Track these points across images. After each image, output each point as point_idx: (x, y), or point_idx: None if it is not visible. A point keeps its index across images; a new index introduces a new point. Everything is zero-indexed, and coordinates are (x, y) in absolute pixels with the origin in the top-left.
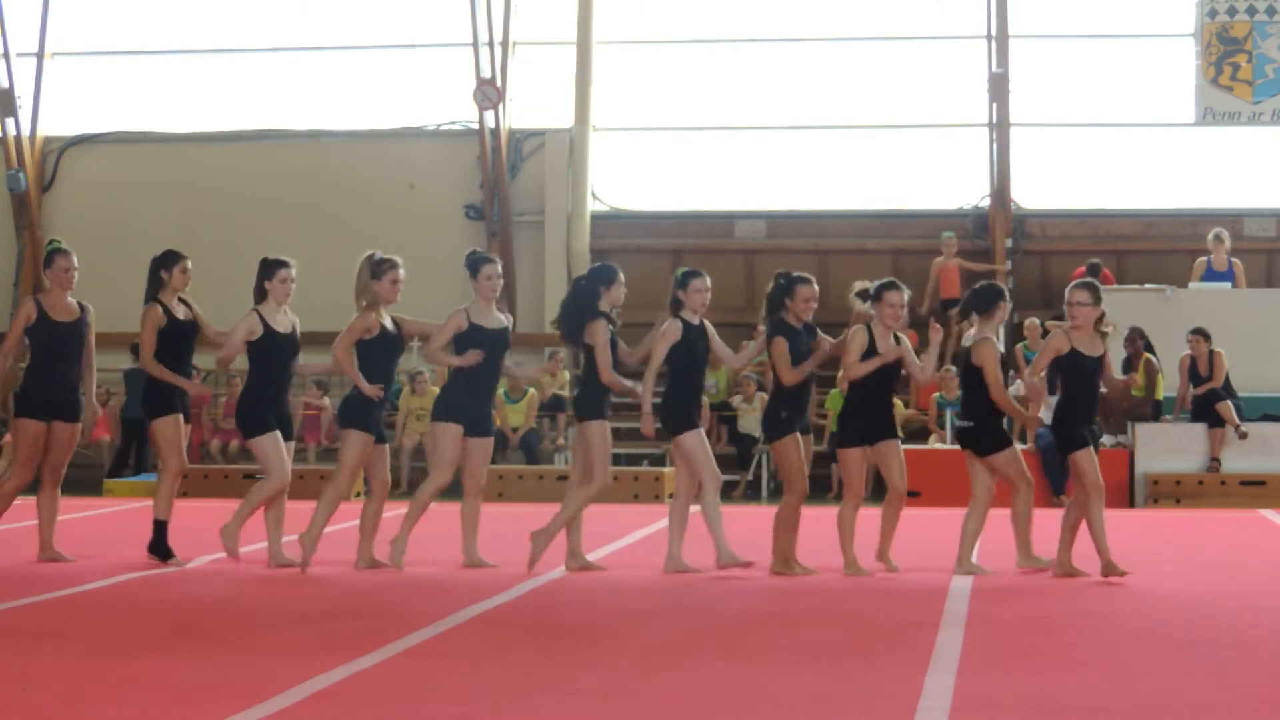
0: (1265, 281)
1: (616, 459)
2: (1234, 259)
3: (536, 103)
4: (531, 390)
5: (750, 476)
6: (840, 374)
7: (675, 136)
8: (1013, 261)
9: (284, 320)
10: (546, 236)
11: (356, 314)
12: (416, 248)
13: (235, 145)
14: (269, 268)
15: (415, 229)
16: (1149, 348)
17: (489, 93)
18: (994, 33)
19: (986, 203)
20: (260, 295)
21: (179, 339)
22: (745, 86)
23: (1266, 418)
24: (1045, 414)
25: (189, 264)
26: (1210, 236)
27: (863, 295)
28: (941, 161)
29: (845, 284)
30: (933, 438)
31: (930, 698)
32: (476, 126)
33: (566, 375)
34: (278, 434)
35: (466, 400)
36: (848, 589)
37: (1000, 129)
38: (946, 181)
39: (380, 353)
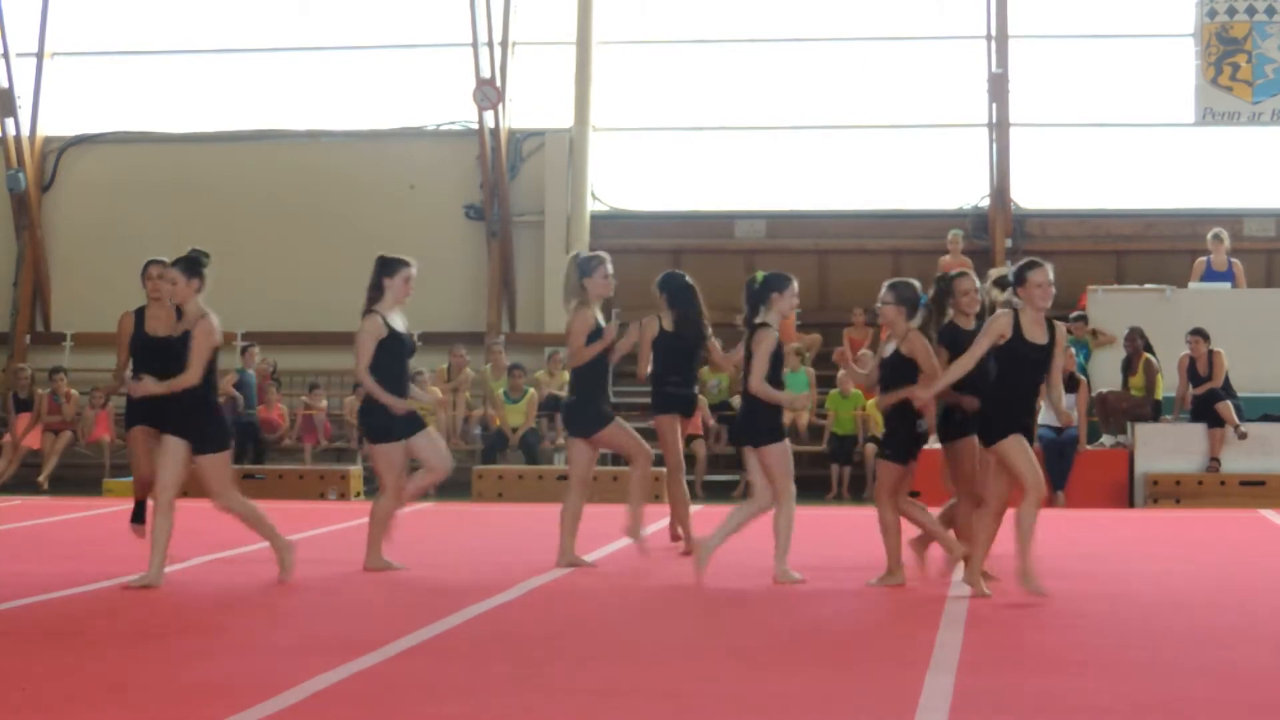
0: (1265, 281)
1: (615, 459)
2: (1234, 259)
3: (536, 103)
4: (531, 390)
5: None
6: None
7: (675, 136)
8: (1012, 261)
9: (401, 319)
10: (546, 236)
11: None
12: (416, 248)
13: (235, 145)
14: (390, 266)
15: (415, 229)
16: (1148, 348)
17: (489, 93)
18: (994, 33)
19: (986, 203)
20: (376, 294)
21: (397, 353)
22: (745, 86)
23: (1266, 418)
24: (1048, 414)
25: (413, 272)
26: (1210, 236)
27: (1001, 283)
28: (941, 161)
29: (845, 284)
30: (933, 437)
31: (930, 698)
32: (476, 126)
33: (566, 375)
34: (400, 444)
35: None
36: (848, 591)
37: (1000, 129)
38: (946, 181)
39: (393, 356)
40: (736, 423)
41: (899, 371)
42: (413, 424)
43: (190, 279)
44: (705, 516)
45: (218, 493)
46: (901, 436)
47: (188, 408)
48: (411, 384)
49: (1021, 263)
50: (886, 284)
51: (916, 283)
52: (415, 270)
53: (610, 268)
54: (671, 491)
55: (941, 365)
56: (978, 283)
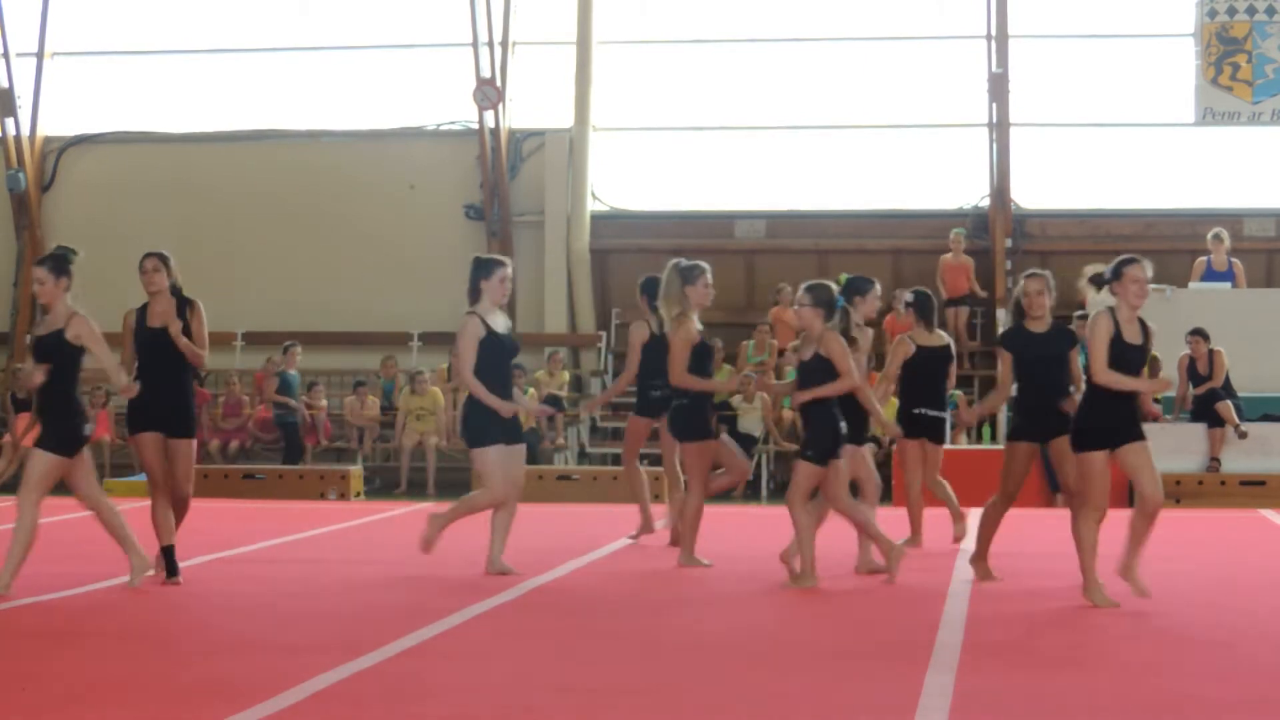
0: (1265, 281)
1: (616, 459)
2: (1234, 259)
3: (536, 103)
4: (531, 390)
5: (750, 477)
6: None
7: (675, 136)
8: (1012, 262)
9: (501, 320)
10: (546, 236)
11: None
12: (416, 248)
13: (235, 145)
14: (485, 267)
15: (415, 229)
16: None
17: (489, 93)
18: (994, 33)
19: (986, 203)
20: (474, 296)
21: (499, 353)
22: (745, 86)
23: (1266, 418)
24: None
25: (509, 272)
26: (1210, 236)
27: (1097, 281)
28: (941, 161)
29: None
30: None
31: (930, 697)
32: (476, 126)
33: (566, 375)
34: (501, 446)
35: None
36: (848, 590)
37: (1000, 129)
38: (947, 181)
39: (494, 356)
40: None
41: (817, 373)
42: (512, 429)
43: (58, 278)
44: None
45: (35, 488)
46: (823, 438)
47: (45, 405)
48: (515, 388)
49: (1120, 259)
50: (803, 286)
51: (833, 285)
52: (511, 270)
53: (710, 276)
54: (673, 494)
55: (1005, 371)
56: (1051, 282)
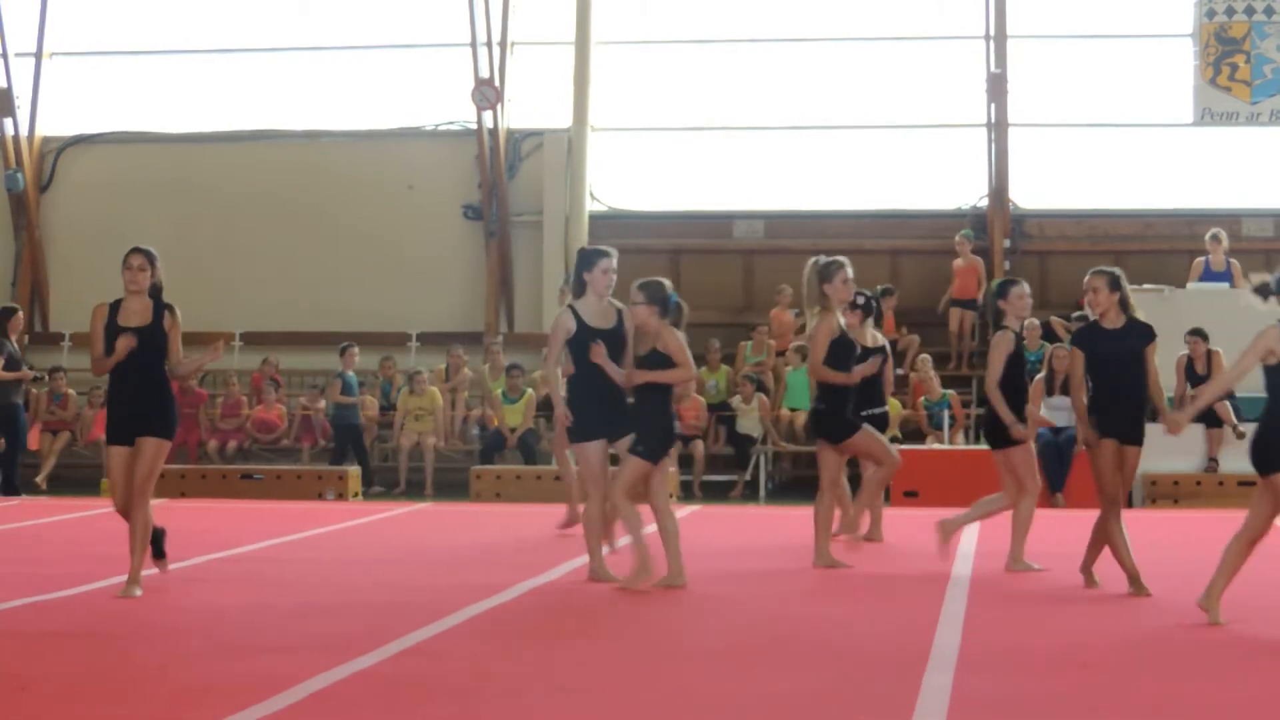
0: None
1: (614, 459)
2: (1232, 259)
3: (535, 103)
4: (529, 390)
5: (748, 477)
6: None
7: (673, 137)
8: (1011, 262)
9: (605, 313)
10: (545, 237)
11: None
12: (414, 248)
13: (233, 145)
14: (588, 258)
15: (413, 229)
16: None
17: (487, 93)
18: (992, 33)
19: (985, 203)
20: (579, 289)
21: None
22: (744, 87)
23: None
24: (1047, 413)
25: (612, 263)
26: (1208, 237)
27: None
28: (940, 162)
29: None
30: (929, 438)
31: (928, 698)
32: (475, 126)
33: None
34: (603, 443)
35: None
36: (847, 589)
37: (999, 129)
38: (945, 182)
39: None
40: (983, 425)
41: (656, 369)
42: (615, 425)
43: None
44: (706, 516)
45: None
46: (655, 436)
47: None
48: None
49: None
50: (636, 284)
51: (667, 281)
52: (614, 260)
53: (850, 272)
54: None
55: (1076, 369)
56: (1120, 279)
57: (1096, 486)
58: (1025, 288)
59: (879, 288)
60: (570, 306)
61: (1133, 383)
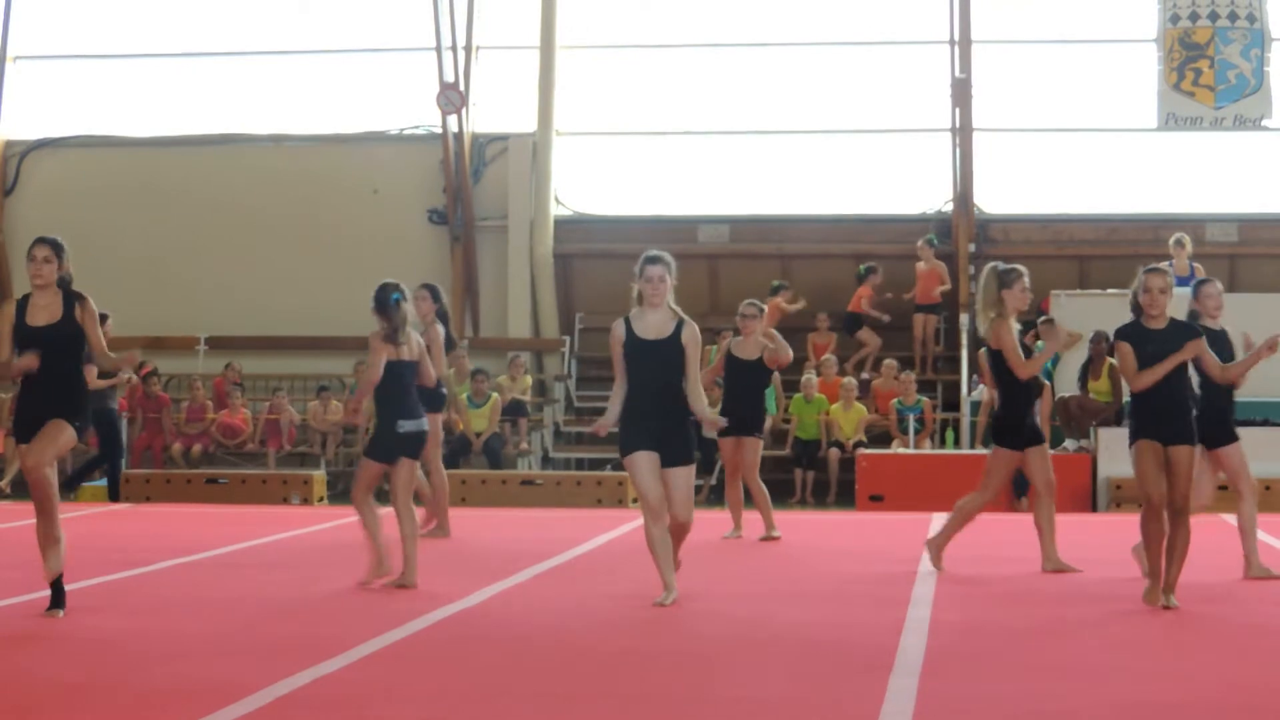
0: (1227, 286)
1: (579, 464)
2: (1195, 264)
3: (499, 107)
4: (495, 395)
5: (714, 481)
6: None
7: (638, 141)
8: (975, 267)
9: (660, 324)
10: (510, 241)
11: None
12: (379, 252)
13: (199, 149)
14: (1006, 277)
15: (378, 233)
16: (1112, 352)
17: (452, 97)
18: (957, 38)
19: (950, 208)
20: (999, 307)
21: (640, 358)
22: (709, 91)
23: (1248, 423)
24: None
25: (1028, 281)
26: (1172, 241)
27: None
28: (905, 166)
29: (808, 289)
30: (895, 442)
31: (893, 701)
32: (439, 131)
33: (529, 380)
34: (645, 454)
35: None
36: (811, 592)
37: (963, 134)
38: (910, 186)
39: (635, 361)
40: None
41: (404, 373)
42: (653, 437)
43: None
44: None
45: None
46: (382, 438)
47: None
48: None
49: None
50: (420, 285)
51: (392, 282)
52: (660, 268)
53: (1028, 280)
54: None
55: (1127, 361)
56: (1171, 279)
57: (1140, 488)
58: (1027, 279)
59: (862, 267)
60: (626, 316)
61: (1178, 383)
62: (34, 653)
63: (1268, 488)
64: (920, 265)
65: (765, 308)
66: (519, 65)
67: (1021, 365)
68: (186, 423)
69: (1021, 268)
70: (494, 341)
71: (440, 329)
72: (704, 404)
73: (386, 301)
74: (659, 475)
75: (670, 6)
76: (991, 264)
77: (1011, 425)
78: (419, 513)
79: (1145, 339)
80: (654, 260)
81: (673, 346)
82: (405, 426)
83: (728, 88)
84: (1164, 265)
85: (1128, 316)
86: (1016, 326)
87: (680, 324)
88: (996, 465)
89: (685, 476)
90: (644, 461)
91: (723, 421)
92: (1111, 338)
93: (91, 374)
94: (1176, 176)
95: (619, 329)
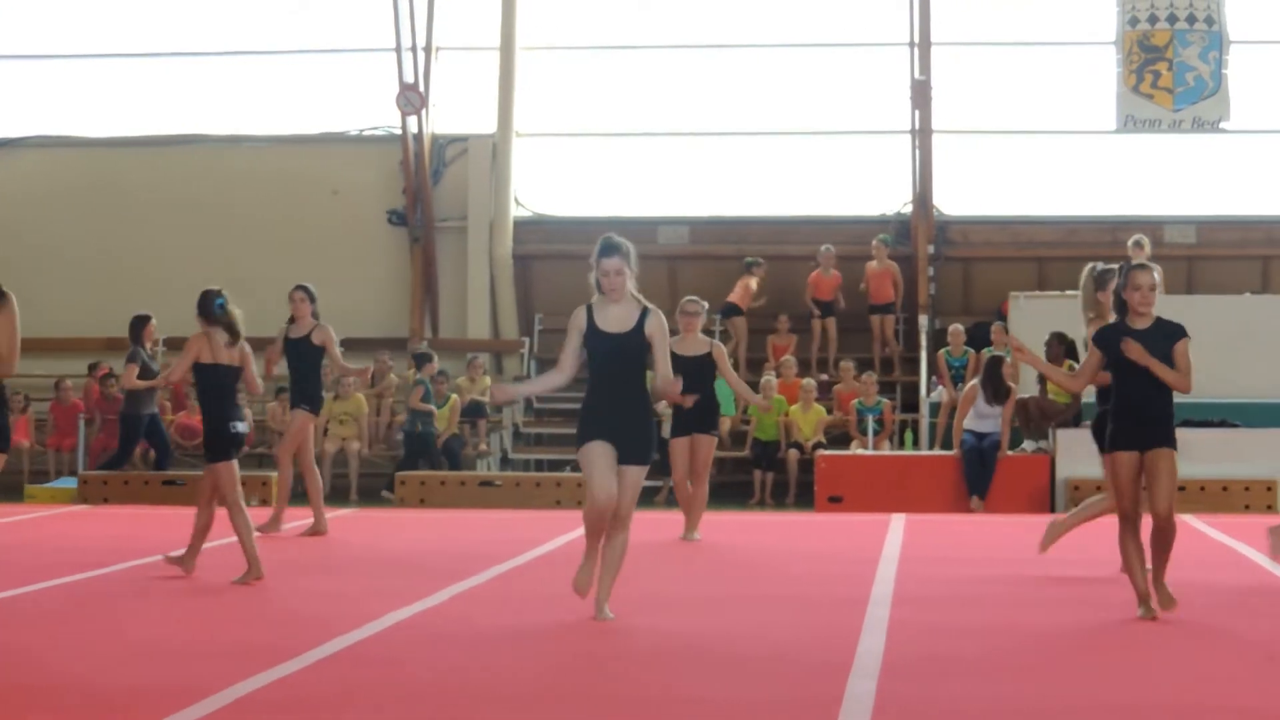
0: (1185, 288)
1: (539, 465)
2: (1154, 265)
3: (459, 108)
4: (454, 396)
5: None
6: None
7: (598, 142)
8: (935, 268)
9: (623, 316)
10: (469, 242)
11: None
12: (339, 253)
13: (158, 150)
14: (595, 254)
15: (338, 234)
16: (1071, 353)
17: (412, 98)
18: (916, 40)
19: (909, 209)
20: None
21: (601, 350)
22: (669, 92)
23: (1186, 423)
24: (974, 419)
25: (610, 264)
26: (1130, 243)
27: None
28: (864, 168)
29: (769, 290)
30: (854, 443)
31: (852, 703)
32: (399, 132)
33: (488, 381)
34: (600, 444)
35: None
36: (770, 596)
37: (923, 135)
38: (870, 188)
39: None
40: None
41: (228, 377)
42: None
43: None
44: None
45: None
46: (216, 439)
47: None
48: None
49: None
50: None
51: (214, 289)
52: (617, 260)
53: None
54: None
55: (1091, 363)
56: (1157, 278)
57: (1116, 501)
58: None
59: (748, 258)
60: (588, 304)
61: (1157, 385)
62: None
63: (1225, 489)
64: (872, 265)
65: (706, 305)
66: (479, 66)
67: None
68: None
69: (1116, 268)
70: (453, 343)
71: (329, 328)
72: (669, 383)
73: (210, 306)
74: (612, 469)
75: (630, 8)
76: (1090, 265)
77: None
78: (262, 513)
79: (1127, 340)
80: (610, 250)
81: (635, 340)
82: (239, 427)
83: (688, 89)
84: (1147, 261)
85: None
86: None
87: (644, 315)
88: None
89: (637, 476)
90: (598, 451)
91: (689, 399)
92: (1090, 341)
93: (130, 375)
94: (1135, 178)
95: (580, 317)
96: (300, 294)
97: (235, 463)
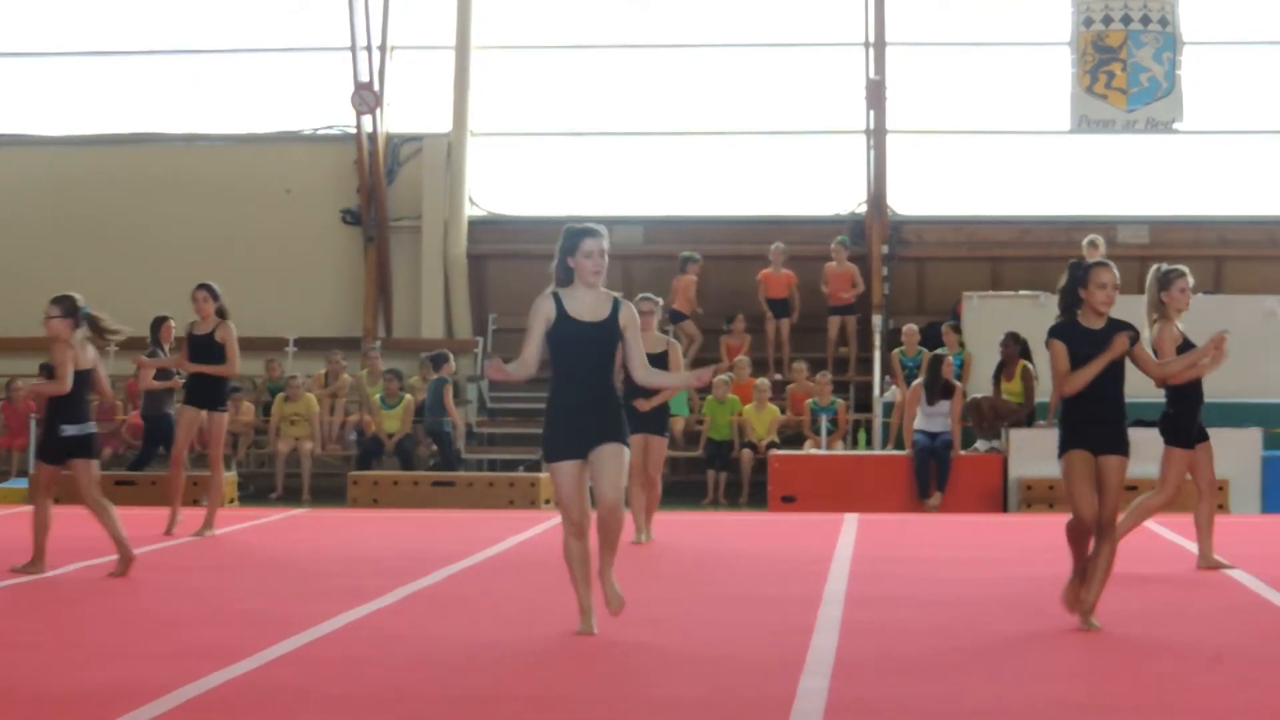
0: (1138, 288)
1: (493, 465)
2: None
3: (414, 107)
4: (407, 396)
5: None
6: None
7: (553, 142)
8: (889, 268)
9: (596, 305)
10: (423, 241)
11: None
12: (292, 252)
13: (111, 149)
14: (571, 239)
15: (291, 233)
16: (1025, 354)
17: (366, 97)
18: (871, 40)
19: (864, 209)
20: (566, 276)
21: (570, 342)
22: (624, 92)
23: (1138, 423)
24: (922, 419)
25: (1189, 282)
26: (1085, 243)
27: None
28: (819, 168)
29: (723, 290)
30: (808, 443)
31: (804, 701)
32: (354, 131)
33: None
34: (570, 464)
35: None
36: (723, 595)
37: (877, 136)
38: (824, 188)
39: (563, 345)
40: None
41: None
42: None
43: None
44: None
45: None
46: (53, 440)
47: None
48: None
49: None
50: (51, 300)
51: (77, 295)
52: (604, 241)
53: (1191, 281)
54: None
55: (1060, 359)
56: (1117, 277)
57: (1070, 504)
58: (1189, 280)
59: (682, 254)
60: (554, 291)
61: (1112, 388)
62: None
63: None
64: (832, 265)
65: (660, 301)
66: (434, 66)
67: (1158, 367)
68: (97, 423)
69: (1183, 268)
70: (407, 342)
71: (232, 326)
72: (669, 377)
73: (77, 311)
74: (584, 488)
75: (586, 8)
76: (1155, 266)
77: (1184, 425)
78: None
79: (1082, 339)
80: (592, 232)
81: (609, 330)
82: (69, 430)
83: (643, 89)
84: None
85: (1040, 317)
86: (1179, 326)
87: (617, 305)
88: (1170, 465)
89: (617, 454)
90: (568, 472)
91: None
92: (1047, 336)
93: (147, 375)
94: (1089, 178)
95: (547, 304)
96: (203, 293)
97: (94, 463)
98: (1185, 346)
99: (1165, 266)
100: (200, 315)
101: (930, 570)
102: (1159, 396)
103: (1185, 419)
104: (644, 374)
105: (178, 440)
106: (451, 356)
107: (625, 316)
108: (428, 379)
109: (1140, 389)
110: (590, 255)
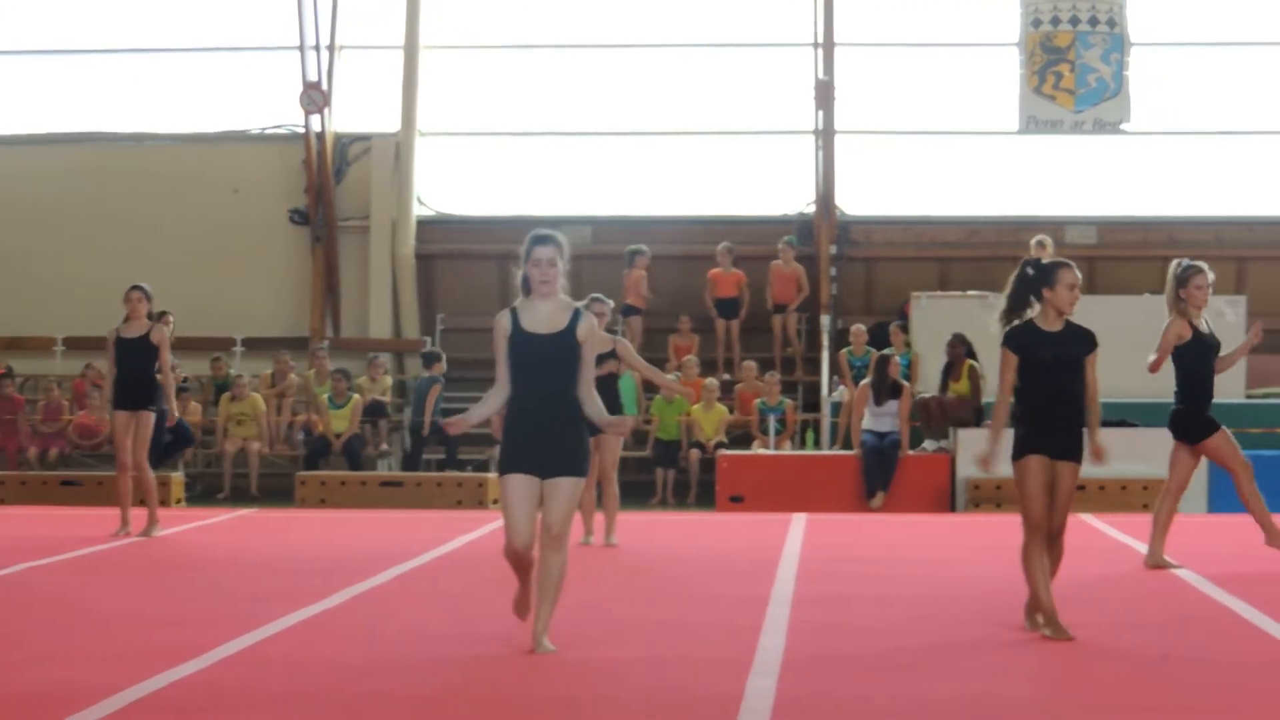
0: (1086, 288)
1: (440, 465)
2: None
3: (362, 107)
4: (355, 396)
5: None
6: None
7: (501, 142)
8: (837, 268)
9: (553, 316)
10: (371, 241)
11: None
12: (240, 252)
13: (56, 147)
14: (525, 248)
15: (239, 233)
16: (971, 354)
17: (315, 96)
18: (820, 40)
19: (812, 209)
20: (527, 286)
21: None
22: (572, 92)
23: (1107, 424)
24: (870, 419)
25: (1208, 278)
26: (1033, 243)
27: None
28: (768, 168)
29: (671, 290)
30: (756, 443)
31: (752, 699)
32: (302, 130)
33: (389, 381)
34: (522, 479)
35: None
36: (670, 595)
37: (826, 136)
38: (773, 188)
39: (520, 359)
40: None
41: None
42: (542, 457)
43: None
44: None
45: None
46: None
47: None
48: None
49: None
50: None
51: None
52: (552, 249)
53: (1211, 276)
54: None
55: (1008, 375)
56: (1079, 277)
57: (1021, 509)
58: (1209, 276)
59: (629, 249)
60: (513, 306)
61: (1070, 393)
62: None
63: (1124, 488)
64: (778, 265)
65: (611, 303)
66: (382, 65)
67: (1160, 357)
68: (43, 423)
69: (1201, 264)
70: (354, 342)
71: (166, 328)
72: (599, 407)
73: None
74: (533, 510)
75: (534, 7)
76: (1175, 261)
77: (1194, 419)
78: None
79: (1041, 341)
80: (543, 240)
81: (567, 342)
82: None
83: (591, 89)
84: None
85: (988, 317)
86: (1201, 320)
87: (577, 316)
88: (1178, 460)
89: (571, 489)
90: (518, 488)
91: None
92: (1001, 341)
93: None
94: (1037, 179)
95: (504, 320)
96: (138, 294)
97: None
98: (1195, 343)
99: (1186, 262)
100: (133, 316)
101: (878, 570)
102: (1116, 396)
103: (1196, 414)
104: (586, 393)
105: (116, 444)
106: (442, 356)
107: (584, 330)
108: (375, 379)
109: (1114, 389)
110: (538, 264)
